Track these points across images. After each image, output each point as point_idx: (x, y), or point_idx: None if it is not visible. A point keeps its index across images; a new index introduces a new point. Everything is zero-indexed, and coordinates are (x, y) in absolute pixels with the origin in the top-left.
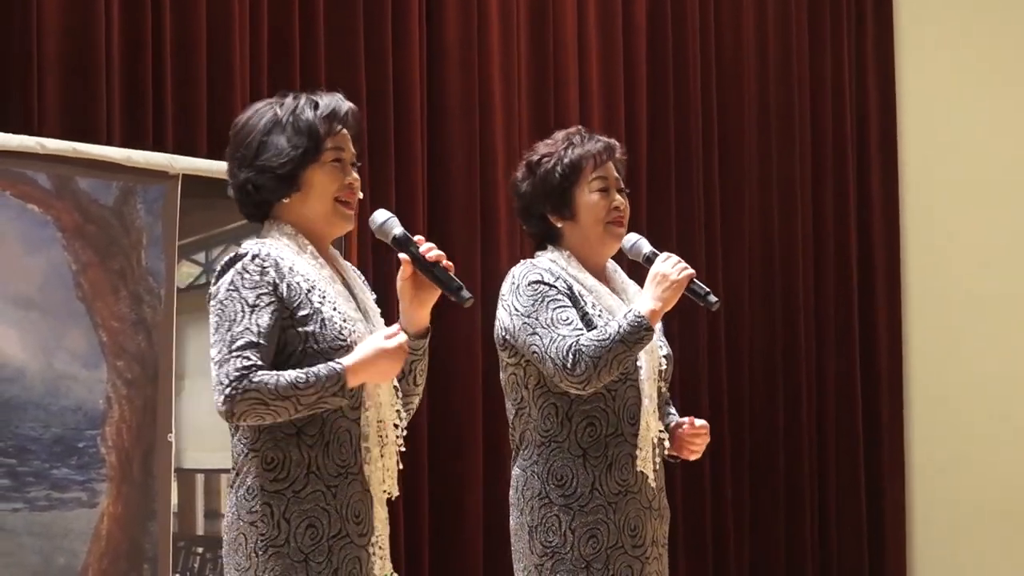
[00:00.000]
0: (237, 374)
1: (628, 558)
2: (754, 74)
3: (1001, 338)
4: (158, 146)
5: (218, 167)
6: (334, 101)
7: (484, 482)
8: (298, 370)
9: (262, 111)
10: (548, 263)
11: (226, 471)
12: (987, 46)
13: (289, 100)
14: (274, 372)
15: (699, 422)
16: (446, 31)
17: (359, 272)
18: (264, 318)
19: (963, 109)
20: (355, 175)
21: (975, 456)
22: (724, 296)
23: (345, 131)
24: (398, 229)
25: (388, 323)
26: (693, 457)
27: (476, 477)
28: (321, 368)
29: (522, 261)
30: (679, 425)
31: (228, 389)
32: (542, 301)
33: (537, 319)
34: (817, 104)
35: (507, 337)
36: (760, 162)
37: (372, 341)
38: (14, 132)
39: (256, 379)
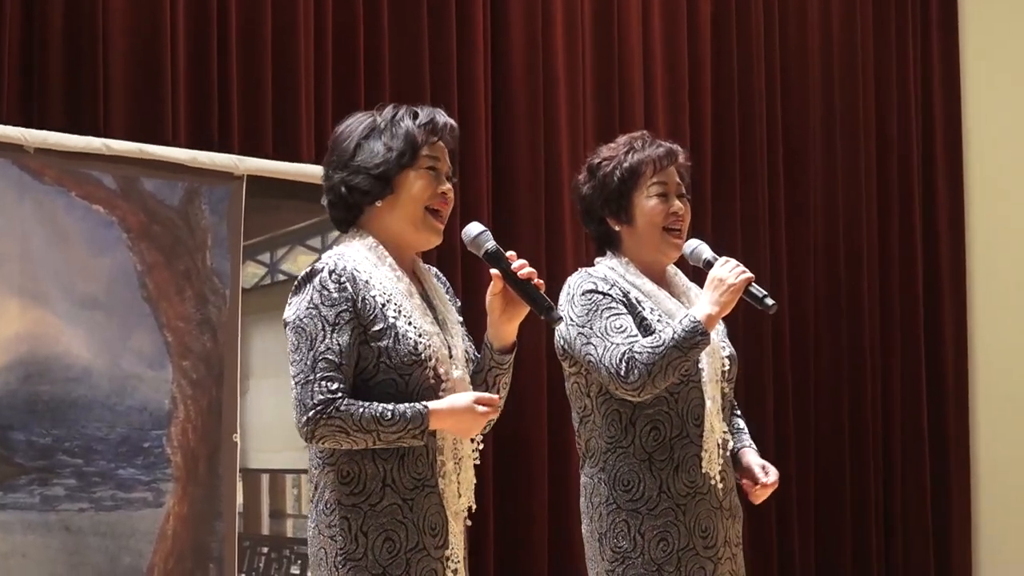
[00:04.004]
0: (323, 398)
1: (700, 559)
2: (819, 77)
3: None
4: (223, 147)
5: (283, 168)
6: (434, 113)
7: (550, 488)
8: (384, 405)
9: (361, 118)
10: (604, 271)
11: (291, 471)
12: None
13: (388, 109)
14: (360, 403)
15: (771, 478)
16: (511, 36)
17: (443, 279)
18: (344, 337)
19: None
20: (449, 186)
21: None
22: (789, 299)
23: (442, 144)
24: (491, 243)
25: (471, 331)
26: (756, 502)
27: (542, 483)
28: (408, 409)
29: (578, 270)
30: (750, 472)
31: (312, 412)
32: (596, 310)
33: (591, 328)
34: (882, 107)
35: (565, 347)
36: (825, 165)
37: (464, 398)
38: (80, 133)
39: (343, 408)
